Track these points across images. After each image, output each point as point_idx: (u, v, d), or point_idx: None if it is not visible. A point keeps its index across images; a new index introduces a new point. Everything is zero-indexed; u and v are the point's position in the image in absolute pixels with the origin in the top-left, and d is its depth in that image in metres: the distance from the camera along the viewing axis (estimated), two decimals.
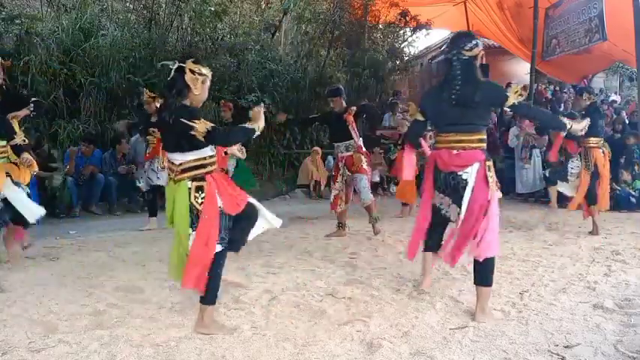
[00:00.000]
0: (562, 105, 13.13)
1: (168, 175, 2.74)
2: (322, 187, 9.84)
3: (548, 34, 10.91)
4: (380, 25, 12.96)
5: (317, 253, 4.59)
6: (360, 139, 5.31)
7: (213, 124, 2.55)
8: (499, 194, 2.98)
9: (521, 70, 13.26)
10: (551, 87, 14.33)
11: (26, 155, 3.71)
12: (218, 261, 2.65)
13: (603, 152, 5.44)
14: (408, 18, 12.27)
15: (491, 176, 2.90)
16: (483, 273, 2.90)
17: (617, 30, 9.20)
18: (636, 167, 8.06)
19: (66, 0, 9.19)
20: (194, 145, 2.56)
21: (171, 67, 2.63)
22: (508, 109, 3.01)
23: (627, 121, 10.68)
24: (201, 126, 2.49)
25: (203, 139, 2.52)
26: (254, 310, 3.05)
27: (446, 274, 3.85)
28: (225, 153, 3.18)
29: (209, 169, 2.65)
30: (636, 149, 8.41)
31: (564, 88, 14.18)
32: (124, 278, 3.74)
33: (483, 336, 2.63)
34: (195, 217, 2.59)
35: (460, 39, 2.99)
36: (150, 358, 2.39)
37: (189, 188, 2.59)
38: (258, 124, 2.70)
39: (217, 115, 9.23)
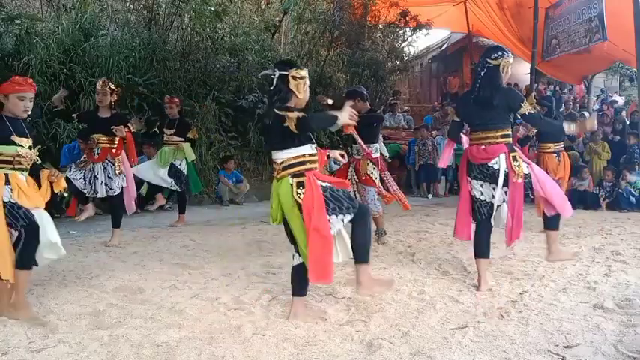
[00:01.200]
0: (562, 105, 13.14)
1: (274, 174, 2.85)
2: None
3: (548, 34, 10.91)
4: (380, 25, 12.94)
5: None
6: (375, 145, 4.88)
7: (303, 113, 2.68)
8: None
9: (521, 70, 13.25)
10: (551, 87, 14.33)
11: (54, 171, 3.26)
12: (361, 224, 2.75)
13: (559, 157, 5.68)
14: (408, 18, 12.26)
15: (517, 166, 3.27)
16: (553, 219, 3.58)
17: (617, 30, 9.20)
18: (637, 167, 8.06)
19: (66, 0, 9.19)
20: (293, 142, 2.74)
21: (272, 76, 2.79)
22: (519, 116, 3.39)
23: (627, 121, 10.69)
24: (292, 114, 2.64)
25: (295, 128, 2.64)
26: (254, 310, 3.05)
27: (446, 274, 3.85)
28: (328, 157, 3.15)
29: (308, 166, 2.79)
30: (636, 149, 8.41)
31: (564, 88, 14.18)
32: (124, 278, 3.74)
33: (483, 336, 2.63)
34: (300, 212, 2.70)
35: (489, 50, 3.41)
36: (150, 358, 2.39)
37: (291, 184, 2.74)
38: (342, 115, 2.74)
39: (218, 115, 9.26)
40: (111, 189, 4.89)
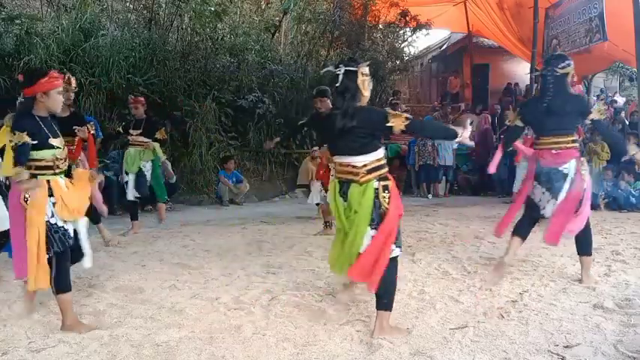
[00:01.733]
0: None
1: (351, 178, 2.68)
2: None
3: (548, 34, 10.90)
4: (380, 25, 12.94)
5: (317, 253, 4.58)
6: None
7: (408, 116, 2.65)
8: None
9: (521, 70, 13.26)
10: None
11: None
12: (394, 266, 2.70)
13: None
14: (408, 18, 12.26)
15: (585, 169, 3.53)
16: (584, 244, 3.64)
17: (617, 30, 9.19)
18: (636, 167, 8.05)
19: (66, 0, 9.19)
20: (377, 145, 2.69)
21: (338, 72, 2.67)
22: (588, 122, 3.68)
23: (627, 121, 10.68)
24: (398, 121, 2.58)
25: (404, 128, 2.59)
26: (254, 310, 3.05)
27: (446, 274, 3.85)
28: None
29: (386, 168, 2.73)
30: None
31: None
32: (124, 278, 3.74)
33: (483, 336, 2.63)
34: (378, 215, 2.63)
35: (555, 59, 3.62)
36: (150, 358, 2.39)
37: (376, 188, 2.64)
38: (464, 133, 2.77)
39: (218, 115, 9.26)
40: None
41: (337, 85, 2.68)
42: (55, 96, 2.76)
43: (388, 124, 2.58)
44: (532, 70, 10.32)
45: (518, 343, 2.52)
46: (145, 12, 9.98)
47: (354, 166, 2.67)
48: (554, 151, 3.52)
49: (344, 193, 2.70)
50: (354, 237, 2.65)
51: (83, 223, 2.90)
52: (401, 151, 10.64)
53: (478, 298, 3.25)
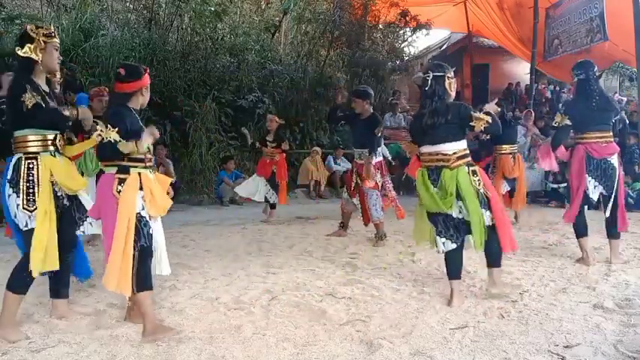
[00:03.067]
0: (562, 104, 13.13)
1: (441, 164, 3.06)
2: (322, 187, 9.84)
3: (549, 34, 10.91)
4: (380, 25, 12.95)
5: (317, 253, 4.59)
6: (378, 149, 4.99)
7: (489, 119, 2.99)
8: None
9: (521, 70, 13.27)
10: (551, 87, 14.34)
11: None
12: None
13: (515, 158, 6.18)
14: (408, 18, 12.27)
15: (620, 163, 4.10)
16: (614, 228, 4.10)
17: (617, 30, 9.20)
18: (636, 167, 8.05)
19: (66, 0, 9.20)
20: (463, 135, 3.11)
21: (427, 78, 3.10)
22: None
23: (627, 121, 10.67)
24: (479, 123, 2.98)
25: (483, 129, 3.01)
26: (254, 310, 3.05)
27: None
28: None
29: (470, 157, 3.15)
30: (636, 149, 8.40)
31: (564, 87, 14.19)
32: None
33: (483, 336, 2.63)
34: (477, 197, 3.01)
35: (590, 65, 4.10)
36: (150, 358, 2.39)
37: (468, 172, 3.04)
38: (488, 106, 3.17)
39: (218, 115, 9.27)
40: None
41: (426, 88, 3.10)
42: (146, 91, 2.80)
43: (471, 124, 3.00)
44: (532, 70, 10.33)
45: (518, 343, 2.52)
46: (145, 12, 9.99)
47: (444, 154, 3.06)
48: (603, 144, 3.98)
49: (434, 180, 3.06)
50: (475, 216, 2.99)
51: (159, 223, 2.81)
52: (401, 151, 10.64)
53: (478, 298, 3.25)
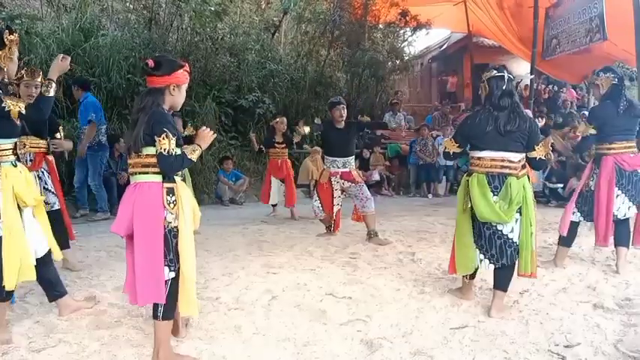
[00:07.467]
0: (561, 104, 13.14)
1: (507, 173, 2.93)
2: None
3: (548, 34, 10.90)
4: (380, 25, 12.94)
5: (317, 253, 4.59)
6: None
7: (550, 151, 3.01)
8: None
9: (521, 70, 13.23)
10: (550, 86, 14.34)
11: None
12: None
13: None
14: (408, 18, 12.26)
15: None
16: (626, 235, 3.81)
17: (617, 29, 9.19)
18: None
19: (66, 0, 9.20)
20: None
21: (504, 75, 2.97)
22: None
23: None
24: (541, 150, 2.97)
25: (537, 159, 2.99)
26: (254, 310, 3.05)
27: (445, 274, 3.85)
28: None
29: None
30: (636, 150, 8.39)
31: (563, 87, 14.19)
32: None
33: (483, 336, 2.63)
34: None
35: (614, 69, 3.95)
36: (150, 358, 2.39)
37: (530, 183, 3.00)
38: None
39: (218, 115, 9.26)
40: (47, 203, 3.52)
41: (504, 87, 2.93)
42: (183, 91, 2.44)
43: (535, 146, 2.95)
44: (532, 70, 10.32)
45: (518, 343, 2.52)
46: (145, 12, 9.98)
47: (511, 161, 2.92)
48: (631, 155, 3.69)
49: (495, 187, 2.90)
50: (529, 227, 2.91)
51: None
52: (401, 151, 10.64)
53: (478, 298, 3.25)
